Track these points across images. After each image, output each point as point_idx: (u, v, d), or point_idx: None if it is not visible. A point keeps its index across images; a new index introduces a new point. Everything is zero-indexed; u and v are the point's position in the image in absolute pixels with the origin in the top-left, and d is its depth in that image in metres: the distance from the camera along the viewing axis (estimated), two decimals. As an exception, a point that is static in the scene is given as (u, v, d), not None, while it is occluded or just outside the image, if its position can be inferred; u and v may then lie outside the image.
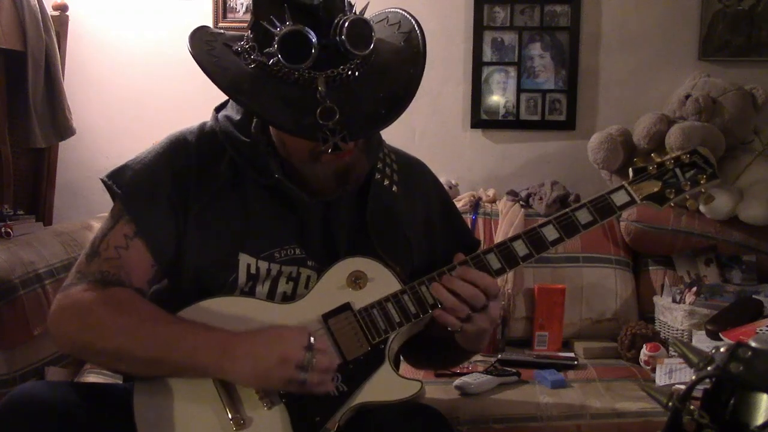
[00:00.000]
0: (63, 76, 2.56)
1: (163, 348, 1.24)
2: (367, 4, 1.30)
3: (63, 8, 2.64)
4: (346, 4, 1.25)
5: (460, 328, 1.33)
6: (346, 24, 1.21)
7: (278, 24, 1.21)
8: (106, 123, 2.81)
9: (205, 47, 1.29)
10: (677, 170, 1.44)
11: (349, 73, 1.23)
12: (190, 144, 1.38)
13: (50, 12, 2.55)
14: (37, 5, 2.41)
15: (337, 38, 1.21)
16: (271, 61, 1.22)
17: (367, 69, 1.25)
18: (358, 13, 1.26)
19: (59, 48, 2.54)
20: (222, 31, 1.38)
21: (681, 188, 1.43)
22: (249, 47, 1.26)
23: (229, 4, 2.76)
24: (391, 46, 1.30)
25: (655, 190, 1.43)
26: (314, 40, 1.20)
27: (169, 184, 1.35)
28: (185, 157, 1.37)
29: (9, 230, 2.13)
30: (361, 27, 1.24)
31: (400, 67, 1.27)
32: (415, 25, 1.30)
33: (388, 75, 1.26)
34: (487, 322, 1.35)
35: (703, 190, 1.44)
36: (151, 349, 1.24)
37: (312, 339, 1.24)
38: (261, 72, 1.24)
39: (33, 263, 2.01)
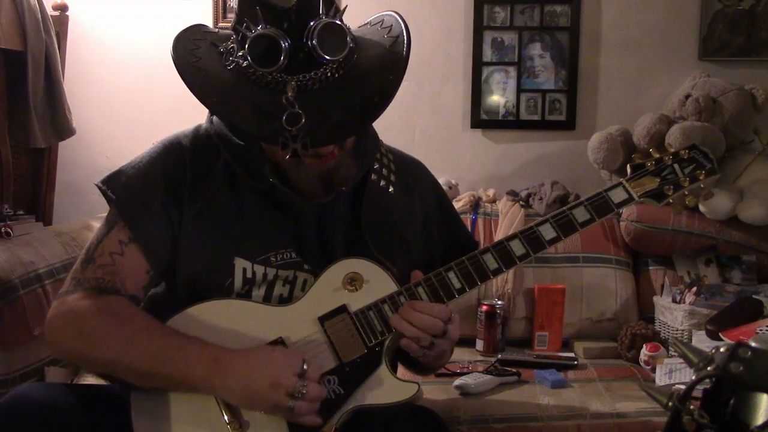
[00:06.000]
0: (63, 76, 2.56)
1: (155, 361, 1.23)
2: (345, 8, 1.28)
3: (63, 8, 2.64)
4: (321, 7, 1.23)
5: (423, 354, 1.34)
6: (318, 28, 1.20)
7: (253, 27, 1.21)
8: (106, 123, 2.81)
9: (190, 47, 1.28)
10: (676, 166, 1.43)
11: (323, 78, 1.21)
12: (184, 148, 1.38)
13: (50, 12, 2.55)
14: (37, 5, 2.41)
15: (309, 43, 1.20)
16: (245, 63, 1.22)
17: (345, 73, 1.23)
18: (336, 17, 1.24)
19: (59, 48, 2.54)
20: (216, 30, 1.37)
21: (680, 184, 1.42)
22: (231, 48, 1.26)
23: (229, 4, 2.76)
24: (377, 50, 1.28)
25: (654, 186, 1.42)
26: (285, 44, 1.19)
27: (163, 188, 1.34)
28: (180, 161, 1.36)
29: (9, 230, 2.13)
30: (334, 32, 1.22)
31: (379, 73, 1.24)
32: (404, 30, 1.27)
33: (366, 81, 1.24)
34: (446, 344, 1.37)
35: (702, 185, 1.42)
36: (144, 361, 1.23)
37: (305, 366, 1.23)
38: (237, 74, 1.24)
39: (33, 263, 2.01)
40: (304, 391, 1.21)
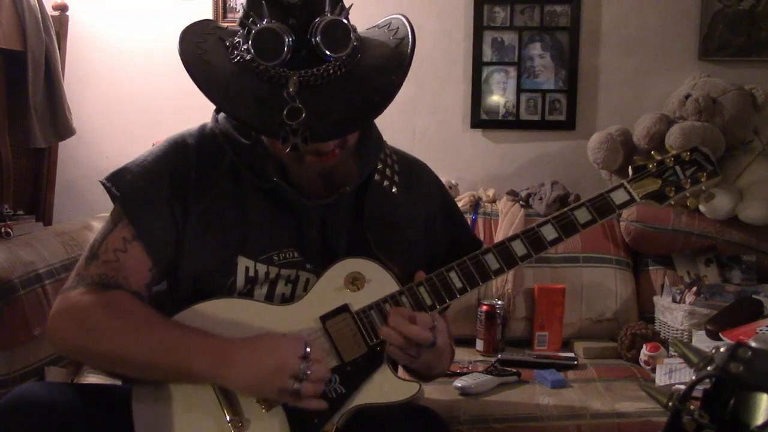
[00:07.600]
0: (63, 76, 2.56)
1: (158, 353, 1.23)
2: (350, 6, 1.29)
3: (63, 8, 2.64)
4: (327, 5, 1.24)
5: (409, 363, 1.33)
6: (322, 25, 1.21)
7: (258, 21, 1.22)
8: (106, 123, 2.81)
9: (197, 40, 1.29)
10: (677, 168, 1.44)
11: (326, 74, 1.22)
12: (189, 146, 1.38)
13: (50, 12, 2.55)
14: (37, 5, 2.41)
15: (313, 39, 1.21)
16: (249, 56, 1.23)
17: (348, 71, 1.24)
18: (342, 15, 1.25)
19: (59, 48, 2.54)
20: (226, 26, 1.38)
21: (681, 186, 1.43)
22: (237, 42, 1.27)
23: (229, 4, 2.76)
24: (382, 51, 1.29)
25: (655, 188, 1.43)
26: (288, 39, 1.20)
27: (168, 187, 1.34)
28: (185, 160, 1.36)
29: (9, 230, 2.13)
30: (338, 29, 1.23)
31: (382, 73, 1.25)
32: (410, 32, 1.28)
33: (368, 80, 1.25)
34: (432, 354, 1.34)
35: (703, 188, 1.43)
36: (146, 353, 1.24)
37: (308, 348, 1.23)
38: (242, 68, 1.25)
39: (33, 263, 2.01)
40: (309, 372, 1.21)
